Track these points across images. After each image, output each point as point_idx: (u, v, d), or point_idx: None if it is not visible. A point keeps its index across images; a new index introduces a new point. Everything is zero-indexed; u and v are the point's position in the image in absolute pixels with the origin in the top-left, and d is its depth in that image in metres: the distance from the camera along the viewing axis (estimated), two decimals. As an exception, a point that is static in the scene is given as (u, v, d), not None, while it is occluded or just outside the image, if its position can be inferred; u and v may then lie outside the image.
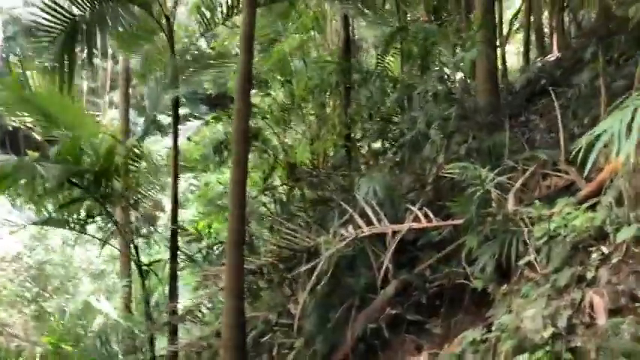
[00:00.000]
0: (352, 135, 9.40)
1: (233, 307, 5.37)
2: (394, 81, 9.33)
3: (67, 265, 17.27)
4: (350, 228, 5.80)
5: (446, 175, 5.88)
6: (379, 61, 9.72)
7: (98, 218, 8.08)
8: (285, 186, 8.93)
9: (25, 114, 8.26)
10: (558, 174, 5.34)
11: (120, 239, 9.33)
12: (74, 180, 7.14)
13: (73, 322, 10.81)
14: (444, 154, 6.05)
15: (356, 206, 6.04)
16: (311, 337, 5.82)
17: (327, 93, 10.36)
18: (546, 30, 15.01)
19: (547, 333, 3.51)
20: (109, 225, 8.15)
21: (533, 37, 13.43)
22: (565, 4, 14.21)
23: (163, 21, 8.56)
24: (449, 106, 6.27)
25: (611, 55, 8.17)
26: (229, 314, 5.38)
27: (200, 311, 7.18)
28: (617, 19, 8.84)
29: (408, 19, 10.00)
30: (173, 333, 7.55)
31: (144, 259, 8.49)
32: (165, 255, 8.61)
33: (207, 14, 8.89)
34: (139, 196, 8.46)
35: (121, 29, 8.56)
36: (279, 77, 10.81)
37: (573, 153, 3.90)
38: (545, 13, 15.22)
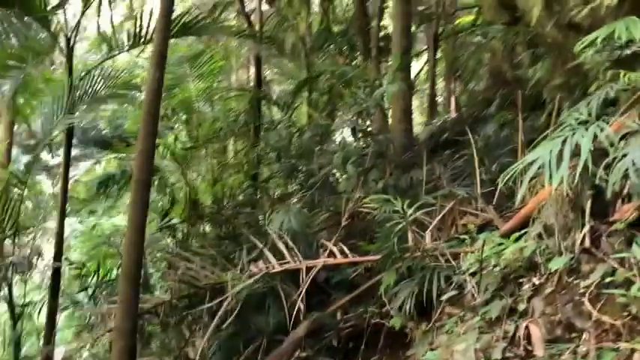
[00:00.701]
0: (259, 176, 9.10)
1: (124, 348, 4.73)
2: (300, 129, 9.21)
3: None
4: (260, 264, 5.41)
5: (361, 212, 5.69)
6: (286, 110, 9.57)
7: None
8: (185, 223, 8.35)
9: None
10: (476, 212, 5.29)
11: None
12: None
13: None
14: (361, 190, 5.87)
15: (267, 242, 5.67)
16: (211, 384, 5.27)
17: (233, 137, 10.11)
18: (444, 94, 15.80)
19: (480, 367, 3.29)
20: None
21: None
22: (457, 74, 15.11)
23: (62, 42, 7.94)
24: (365, 144, 6.15)
25: (510, 113, 8.51)
26: (120, 355, 4.73)
27: (81, 357, 6.36)
28: (509, 83, 9.31)
29: (321, 62, 9.99)
30: (47, 382, 6.61)
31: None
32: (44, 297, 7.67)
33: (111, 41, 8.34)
34: (17, 229, 7.57)
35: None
36: (183, 117, 10.42)
37: (501, 183, 3.82)
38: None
